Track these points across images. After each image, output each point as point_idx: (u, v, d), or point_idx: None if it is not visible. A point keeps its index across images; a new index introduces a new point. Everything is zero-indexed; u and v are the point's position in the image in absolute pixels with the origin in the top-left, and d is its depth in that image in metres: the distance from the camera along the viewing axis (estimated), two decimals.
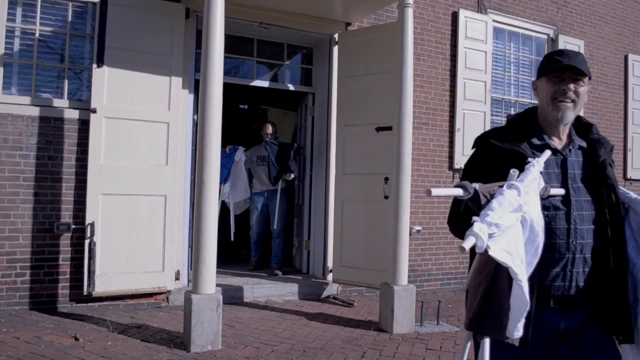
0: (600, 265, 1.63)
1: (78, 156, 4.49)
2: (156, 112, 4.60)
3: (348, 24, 5.64)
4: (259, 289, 5.13)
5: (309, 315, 4.60)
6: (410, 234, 4.63)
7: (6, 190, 4.28)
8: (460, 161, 6.09)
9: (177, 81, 4.72)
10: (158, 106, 4.61)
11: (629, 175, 7.52)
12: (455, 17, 6.18)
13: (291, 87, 5.90)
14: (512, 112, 6.66)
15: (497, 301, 1.46)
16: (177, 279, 4.74)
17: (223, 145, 4.59)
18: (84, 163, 4.41)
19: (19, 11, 4.48)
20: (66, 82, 4.61)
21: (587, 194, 1.67)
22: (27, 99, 4.42)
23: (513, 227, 1.39)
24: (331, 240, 5.41)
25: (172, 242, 4.64)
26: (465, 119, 6.15)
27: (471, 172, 1.73)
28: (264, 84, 5.87)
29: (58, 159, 4.45)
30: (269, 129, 6.08)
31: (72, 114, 4.50)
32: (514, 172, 1.50)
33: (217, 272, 3.81)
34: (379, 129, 4.93)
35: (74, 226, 4.43)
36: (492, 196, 1.43)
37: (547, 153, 1.64)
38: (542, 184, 1.55)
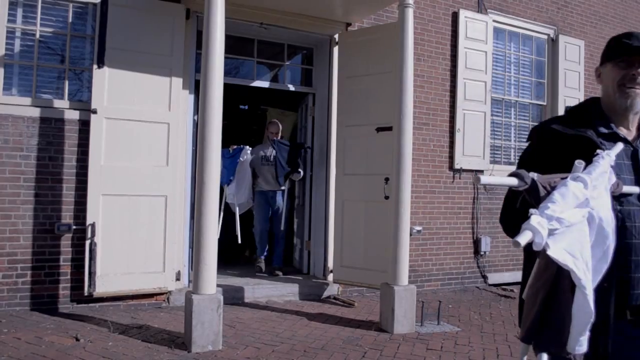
0: None
1: (79, 157, 4.49)
2: (157, 112, 4.60)
3: (348, 25, 5.64)
4: (259, 289, 5.13)
5: (310, 316, 4.60)
6: (410, 234, 4.62)
7: (7, 191, 4.28)
8: (461, 161, 6.09)
9: (178, 82, 4.72)
10: (158, 107, 4.62)
11: None
12: (455, 17, 6.19)
13: (291, 88, 5.89)
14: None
15: (557, 311, 1.27)
16: (177, 279, 4.74)
17: (224, 146, 4.59)
18: (85, 164, 4.41)
19: (19, 12, 4.48)
20: (67, 82, 4.61)
21: None
22: (27, 100, 4.42)
23: (578, 224, 1.20)
24: (332, 241, 5.41)
25: (173, 243, 4.64)
26: (465, 119, 6.15)
27: (527, 166, 1.44)
28: (264, 84, 5.86)
29: (59, 159, 4.46)
30: (275, 128, 5.95)
31: (72, 115, 4.51)
32: (579, 163, 1.30)
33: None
34: (379, 129, 4.93)
35: (74, 227, 4.44)
36: (554, 188, 1.24)
37: (620, 146, 1.43)
38: (614, 179, 1.34)
